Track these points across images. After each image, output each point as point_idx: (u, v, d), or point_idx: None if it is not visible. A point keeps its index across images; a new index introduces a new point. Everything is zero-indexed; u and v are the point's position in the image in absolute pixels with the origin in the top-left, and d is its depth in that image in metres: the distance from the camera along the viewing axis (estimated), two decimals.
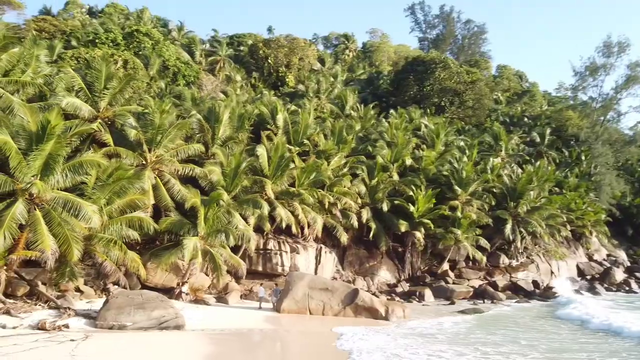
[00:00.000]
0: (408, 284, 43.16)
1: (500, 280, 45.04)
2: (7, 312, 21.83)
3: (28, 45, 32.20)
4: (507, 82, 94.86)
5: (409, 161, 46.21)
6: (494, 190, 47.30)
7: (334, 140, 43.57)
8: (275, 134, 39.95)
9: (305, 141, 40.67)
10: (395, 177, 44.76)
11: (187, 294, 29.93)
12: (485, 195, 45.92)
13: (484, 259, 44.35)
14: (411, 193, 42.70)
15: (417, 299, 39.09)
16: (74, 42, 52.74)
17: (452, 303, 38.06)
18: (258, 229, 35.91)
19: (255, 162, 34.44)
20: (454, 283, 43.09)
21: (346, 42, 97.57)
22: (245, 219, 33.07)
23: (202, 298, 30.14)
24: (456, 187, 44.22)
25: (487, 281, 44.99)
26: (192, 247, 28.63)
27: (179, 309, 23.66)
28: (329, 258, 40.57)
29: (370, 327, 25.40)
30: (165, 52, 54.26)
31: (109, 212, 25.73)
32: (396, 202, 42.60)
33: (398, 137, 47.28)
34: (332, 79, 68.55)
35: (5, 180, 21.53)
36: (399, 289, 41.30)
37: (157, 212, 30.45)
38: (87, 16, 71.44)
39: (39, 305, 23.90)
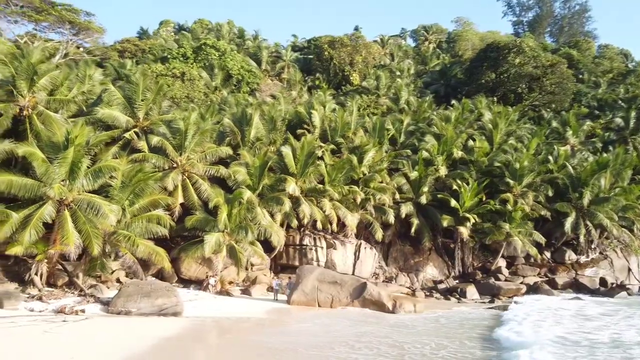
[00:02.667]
0: (456, 281, 41.93)
1: (563, 277, 41.91)
2: (40, 299, 25.51)
3: (83, 67, 36.77)
4: (610, 62, 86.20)
5: (459, 153, 44.62)
6: (557, 181, 43.93)
7: (375, 136, 43.58)
8: (312, 133, 41.11)
9: (339, 139, 41.21)
10: (443, 170, 43.52)
11: (213, 286, 32.18)
12: (543, 187, 42.86)
13: (539, 254, 41.41)
14: (455, 187, 41.30)
15: (458, 296, 37.83)
16: (150, 59, 58.42)
17: (492, 301, 36.26)
18: (297, 226, 37.41)
19: (282, 161, 35.81)
20: (506, 280, 40.92)
21: (426, 33, 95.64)
22: (272, 215, 34.69)
23: (226, 290, 32.26)
24: (508, 180, 41.85)
25: (546, 278, 42.05)
26: (214, 242, 30.88)
27: (180, 298, 25.77)
28: (369, 254, 40.69)
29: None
30: (230, 62, 57.85)
31: (133, 211, 28.77)
32: (439, 196, 41.51)
33: (447, 129, 45.83)
34: (398, 74, 67.97)
35: (32, 185, 25.22)
36: (442, 286, 40.31)
37: (187, 211, 33.10)
38: (172, 34, 78.08)
39: (72, 293, 27.47)
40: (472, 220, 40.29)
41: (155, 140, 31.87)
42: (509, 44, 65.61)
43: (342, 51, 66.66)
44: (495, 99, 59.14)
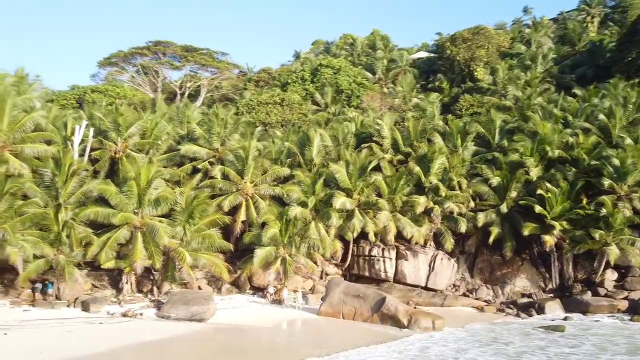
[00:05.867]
0: (551, 295, 37.82)
1: None
2: (119, 303, 32.59)
3: (184, 106, 44.33)
4: None
5: (555, 152, 39.97)
6: None
7: (453, 140, 41.91)
8: (381, 144, 41.78)
9: (407, 148, 40.95)
10: (536, 172, 39.56)
11: (271, 294, 35.87)
12: None
13: None
14: (540, 191, 37.37)
15: (535, 312, 34.46)
16: (277, 85, 65.25)
17: (564, 319, 32.21)
18: (364, 236, 38.90)
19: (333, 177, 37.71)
20: (606, 295, 35.51)
21: (588, 8, 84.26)
22: (328, 229, 36.94)
23: (279, 298, 35.57)
24: (607, 179, 36.19)
25: None
26: (264, 255, 34.63)
27: (212, 306, 30.06)
28: (446, 265, 39.59)
29: None
30: (342, 78, 61.08)
31: (194, 230, 34.28)
32: (521, 202, 38.13)
33: (543, 125, 41.30)
34: (528, 63, 62.19)
35: (108, 213, 32.38)
36: (523, 300, 36.91)
37: (250, 227, 37.51)
38: (311, 56, 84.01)
39: (148, 298, 34.10)
40: (559, 228, 36.03)
41: (218, 168, 37.08)
42: None
43: (462, 47, 63.84)
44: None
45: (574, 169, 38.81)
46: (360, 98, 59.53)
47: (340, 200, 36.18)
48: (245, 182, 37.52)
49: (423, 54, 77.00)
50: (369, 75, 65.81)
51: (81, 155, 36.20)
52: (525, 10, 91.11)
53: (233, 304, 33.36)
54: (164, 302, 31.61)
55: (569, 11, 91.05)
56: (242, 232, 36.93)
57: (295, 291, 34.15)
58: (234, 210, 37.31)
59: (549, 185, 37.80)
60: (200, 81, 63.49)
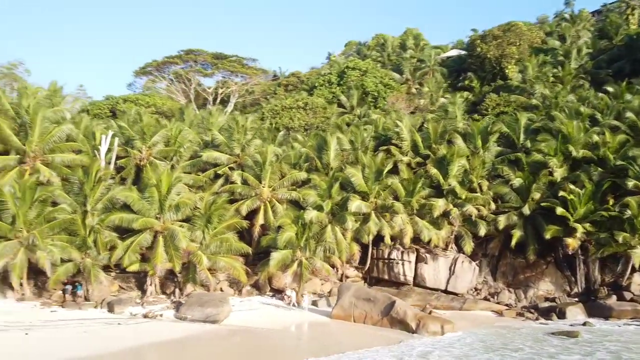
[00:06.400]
0: (576, 299, 36.79)
1: None
2: (142, 304, 34.11)
3: (208, 113, 45.75)
4: None
5: (579, 152, 38.78)
6: None
7: (474, 141, 41.31)
8: (400, 147, 41.72)
9: (425, 151, 40.70)
10: (559, 172, 38.56)
11: (289, 297, 36.55)
12: None
13: None
14: (562, 193, 36.41)
15: (556, 317, 33.64)
16: (304, 88, 66.06)
17: (584, 324, 31.27)
18: (383, 239, 38.99)
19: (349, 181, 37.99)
20: (632, 299, 34.26)
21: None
22: (344, 231, 37.31)
23: (297, 301, 36.19)
24: (629, 180, 34.89)
25: None
26: (281, 258, 35.36)
27: (226, 308, 30.92)
28: (467, 268, 39.18)
29: None
30: (368, 80, 61.22)
31: (213, 234, 35.44)
32: (543, 204, 37.24)
33: (568, 124, 40.13)
34: (560, 58, 60.27)
35: (132, 218, 33.92)
36: (544, 305, 36.03)
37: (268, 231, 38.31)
38: (342, 58, 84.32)
39: (170, 300, 35.46)
40: (581, 230, 35.00)
41: (236, 173, 38.15)
42: None
43: (492, 44, 62.55)
44: None
45: (599, 169, 37.59)
46: (386, 99, 59.41)
47: (356, 204, 36.45)
48: (263, 187, 38.37)
49: (454, 53, 75.89)
50: (397, 76, 65.50)
51: (109, 163, 38.06)
52: (567, 3, 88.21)
53: (249, 306, 34.22)
54: (183, 303, 32.86)
55: (611, 3, 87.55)
56: (260, 236, 37.76)
57: (302, 295, 34.62)
58: (253, 215, 38.25)
59: (572, 186, 36.78)
60: (231, 88, 65.10)
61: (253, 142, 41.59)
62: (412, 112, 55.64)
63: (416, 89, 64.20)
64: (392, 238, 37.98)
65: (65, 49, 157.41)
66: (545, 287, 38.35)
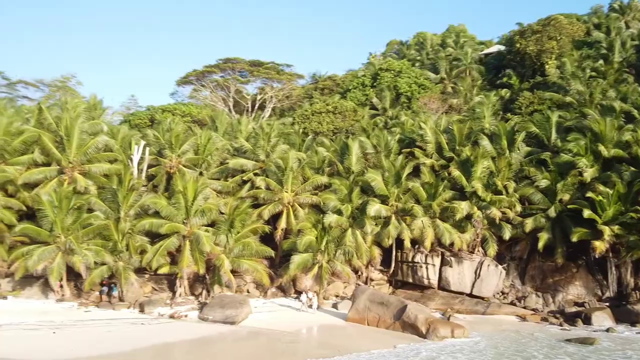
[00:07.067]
0: (607, 304, 35.42)
1: None
2: (170, 305, 35.94)
3: (237, 121, 47.32)
4: None
5: (610, 151, 37.23)
6: None
7: (500, 142, 40.47)
8: (424, 149, 41.54)
9: (449, 153, 40.30)
10: (589, 172, 37.20)
11: (310, 298, 37.32)
12: None
13: None
14: (590, 194, 35.16)
15: (581, 323, 32.55)
16: (339, 91, 66.70)
17: (607, 330, 30.07)
18: (413, 242, 39.13)
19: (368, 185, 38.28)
20: None
21: None
22: (365, 235, 37.71)
23: (319, 303, 36.85)
24: None
25: None
26: (301, 261, 36.31)
27: (244, 310, 32.14)
28: (493, 272, 38.57)
29: None
30: (401, 81, 61.09)
31: (236, 238, 36.81)
32: (569, 206, 36.07)
33: (599, 122, 38.57)
34: (603, 52, 57.61)
35: (159, 223, 35.81)
36: (572, 310, 34.89)
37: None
38: (379, 58, 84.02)
39: (198, 301, 37.13)
40: (609, 233, 33.66)
41: (259, 179, 39.41)
42: None
43: (531, 39, 60.60)
44: None
45: (632, 169, 35.93)
46: (419, 100, 58.95)
47: (375, 208, 36.76)
48: (284, 192, 39.34)
49: (495, 49, 74.02)
50: (432, 75, 64.78)
51: (140, 172, 40.34)
52: None
53: (270, 308, 35.33)
54: (207, 304, 34.40)
55: None
56: (282, 239, 38.78)
57: (312, 297, 35.24)
58: (277, 219, 39.36)
59: (602, 187, 35.40)
60: (267, 94, 66.69)
61: (278, 148, 42.65)
62: (445, 112, 55.02)
63: (452, 87, 63.24)
64: (414, 241, 37.97)
65: (119, 60, 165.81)
66: (575, 292, 37.10)
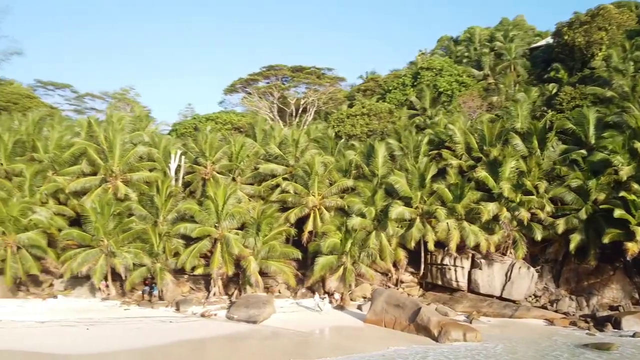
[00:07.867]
0: None
1: None
2: (204, 304, 38.02)
3: (270, 128, 48.99)
4: None
5: None
6: None
7: (531, 140, 39.32)
8: (454, 150, 41.16)
9: (477, 153, 39.67)
10: (625, 171, 35.48)
11: (336, 300, 38.20)
12: None
13: None
14: (623, 193, 33.60)
15: (611, 327, 31.28)
16: (379, 93, 66.87)
17: (633, 335, 28.65)
18: (438, 245, 39.09)
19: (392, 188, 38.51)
20: None
21: None
22: (389, 237, 38.07)
23: (342, 304, 37.64)
24: None
25: None
26: (325, 263, 37.32)
27: (267, 309, 33.56)
28: (525, 274, 37.71)
29: None
30: (441, 79, 60.44)
31: (263, 240, 38.36)
32: (602, 206, 34.62)
33: (637, 118, 36.63)
34: None
35: (193, 227, 38.00)
36: (604, 313, 33.54)
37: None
38: (427, 55, 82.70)
39: (230, 300, 38.97)
40: None
41: (285, 183, 40.77)
42: None
43: (579, 31, 57.80)
44: None
45: None
46: (458, 98, 57.95)
47: (397, 210, 37.00)
48: (310, 195, 40.39)
49: (544, 42, 71.07)
50: (475, 72, 63.40)
51: (176, 179, 42.91)
52: None
53: (294, 308, 36.57)
54: (234, 304, 36.19)
55: None
56: (308, 242, 39.88)
57: (322, 297, 35.95)
58: (304, 222, 40.54)
59: (636, 185, 33.68)
60: (309, 98, 68.03)
61: (307, 152, 43.83)
62: (487, 110, 53.87)
63: (495, 84, 61.56)
64: (440, 243, 37.84)
65: (179, 72, 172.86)
66: (611, 295, 35.46)
